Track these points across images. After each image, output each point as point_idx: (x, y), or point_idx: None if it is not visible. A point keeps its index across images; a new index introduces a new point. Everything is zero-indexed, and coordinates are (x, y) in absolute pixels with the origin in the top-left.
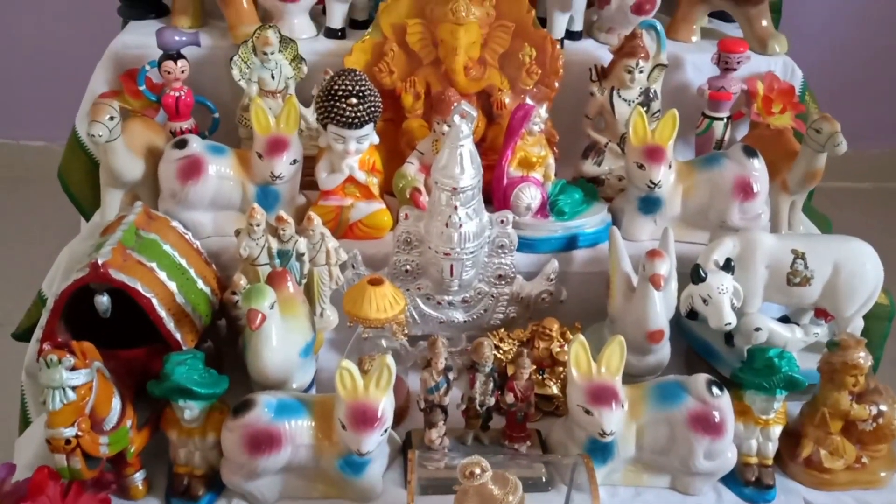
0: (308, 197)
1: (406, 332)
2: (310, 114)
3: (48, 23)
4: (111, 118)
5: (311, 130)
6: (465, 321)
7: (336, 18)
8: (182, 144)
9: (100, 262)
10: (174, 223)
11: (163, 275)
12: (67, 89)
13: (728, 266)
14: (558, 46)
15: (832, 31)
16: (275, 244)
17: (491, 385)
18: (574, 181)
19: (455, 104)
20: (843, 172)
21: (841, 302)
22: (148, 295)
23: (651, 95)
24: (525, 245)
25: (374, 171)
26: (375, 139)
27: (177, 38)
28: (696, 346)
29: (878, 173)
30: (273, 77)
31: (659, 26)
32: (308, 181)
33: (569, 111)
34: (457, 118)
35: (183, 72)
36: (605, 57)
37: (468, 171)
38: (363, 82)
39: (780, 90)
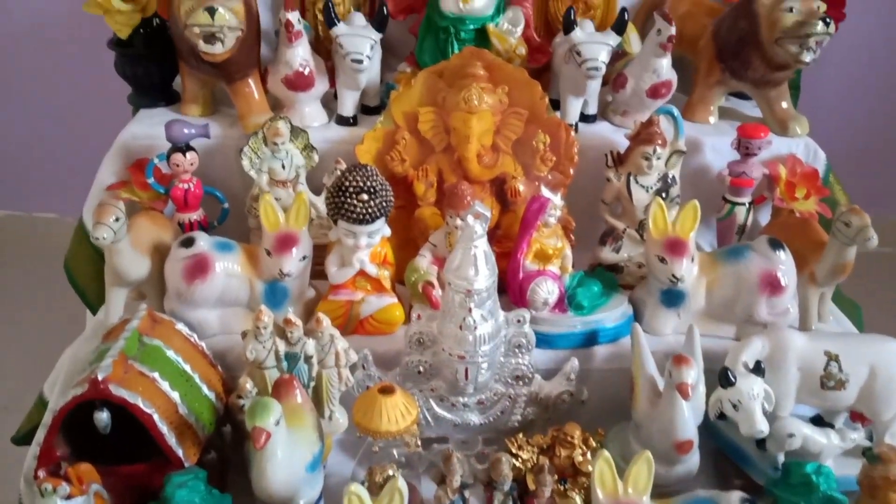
0: (317, 289)
1: (419, 440)
2: (320, 202)
3: (63, 99)
4: (116, 219)
5: (322, 219)
6: (481, 424)
7: (347, 106)
8: (189, 243)
9: (100, 377)
10: (178, 325)
11: (165, 385)
12: (80, 162)
13: (758, 369)
14: (573, 133)
15: (852, 97)
16: (282, 347)
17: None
18: (592, 270)
19: (468, 198)
20: None
21: (879, 406)
22: (149, 411)
23: (669, 181)
24: (543, 341)
25: (385, 264)
26: (387, 232)
27: (186, 130)
28: (726, 448)
29: None
30: (284, 167)
31: (676, 112)
32: (318, 270)
33: (585, 194)
34: (470, 219)
35: (192, 164)
36: (621, 140)
37: (482, 272)
38: (374, 178)
39: (804, 174)
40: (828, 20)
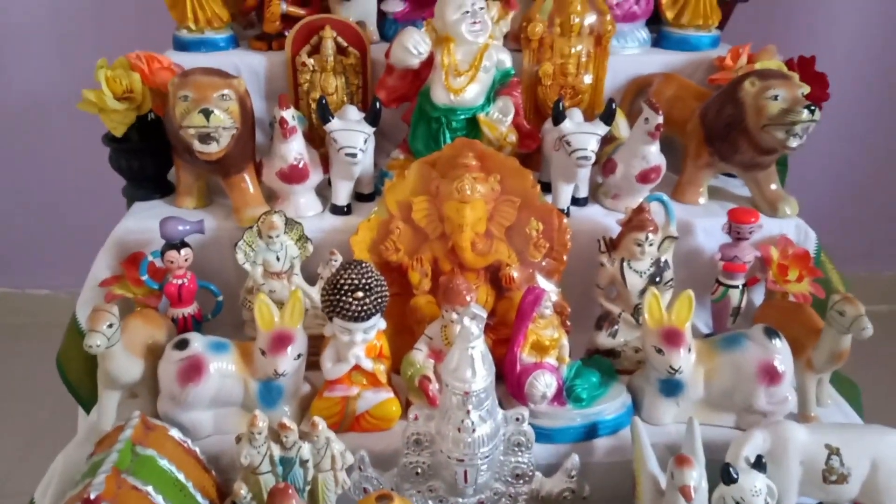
0: (312, 382)
1: None
2: (314, 292)
3: (56, 175)
4: (110, 325)
5: (317, 309)
6: None
7: (341, 196)
8: (183, 345)
9: (92, 496)
10: (172, 431)
11: (159, 499)
12: (73, 239)
13: (760, 464)
14: (565, 220)
15: (841, 154)
16: (277, 451)
17: None
18: (589, 357)
19: (465, 293)
20: (857, 296)
21: (882, 500)
22: None
23: (662, 266)
24: (542, 436)
25: (381, 357)
26: (382, 325)
27: (180, 227)
28: None
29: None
30: (278, 259)
31: (666, 199)
32: (313, 361)
33: (578, 277)
34: (467, 320)
35: (186, 260)
36: (613, 224)
37: (480, 374)
38: (369, 274)
39: (795, 255)
40: (812, 108)
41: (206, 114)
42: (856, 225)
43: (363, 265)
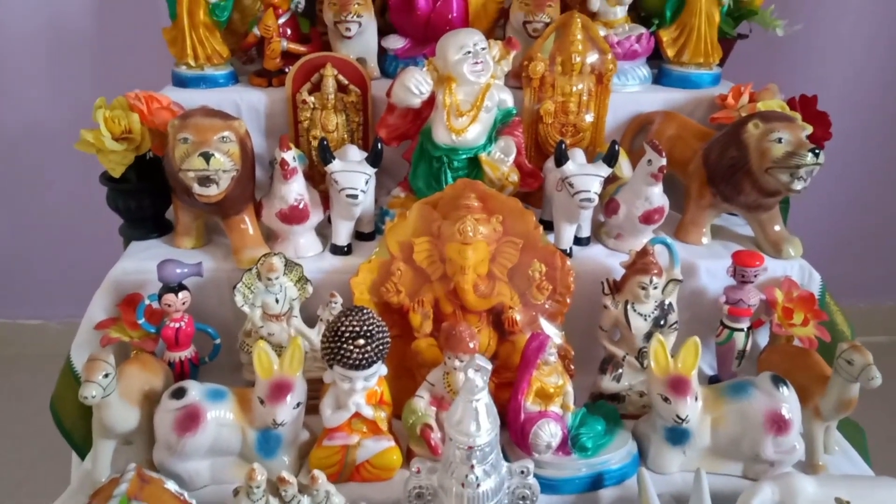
0: (311, 429)
1: None
2: (314, 335)
3: (49, 204)
4: (105, 375)
5: (316, 352)
6: None
7: (342, 236)
8: (180, 394)
9: None
10: (168, 484)
11: None
12: (65, 268)
13: None
14: (568, 262)
15: (838, 187)
16: None
17: None
18: (593, 401)
19: (468, 340)
20: (859, 328)
21: None
22: None
23: (667, 308)
24: (547, 486)
25: (381, 405)
26: (384, 371)
27: (178, 270)
28: None
29: (895, 327)
30: (277, 301)
31: (670, 242)
32: (312, 405)
33: (581, 317)
34: (471, 372)
35: (184, 303)
36: (616, 264)
37: (484, 427)
38: (371, 321)
39: (800, 298)
40: (817, 151)
41: (206, 157)
42: (854, 256)
43: (364, 311)
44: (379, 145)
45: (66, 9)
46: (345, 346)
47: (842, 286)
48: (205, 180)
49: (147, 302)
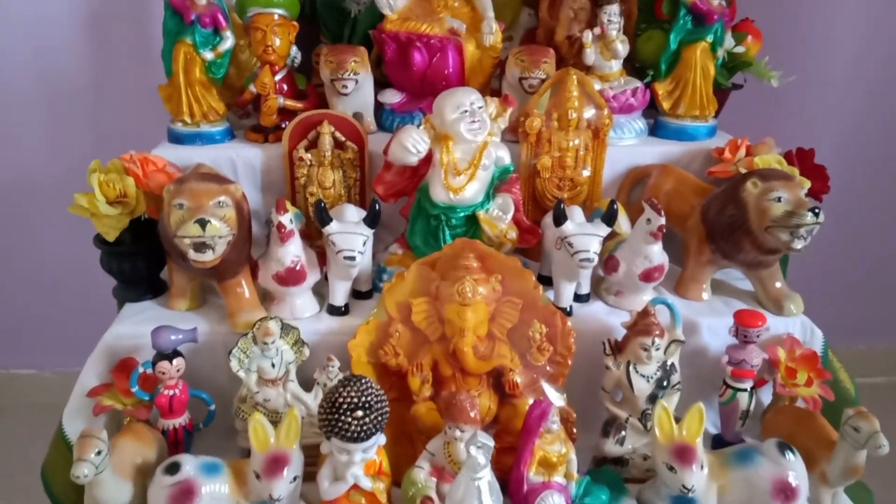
0: (308, 500)
1: None
2: (310, 399)
3: (43, 254)
4: (98, 453)
5: (312, 417)
6: None
7: (339, 296)
8: (173, 469)
9: None
10: None
11: None
12: (59, 318)
13: None
14: (569, 323)
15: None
16: None
17: None
18: (596, 465)
19: (469, 410)
20: (858, 369)
21: None
22: None
23: (669, 369)
24: None
25: (380, 475)
26: (383, 440)
27: (173, 337)
28: None
29: (893, 368)
30: (273, 365)
31: (671, 302)
32: (309, 472)
33: (582, 376)
34: (473, 449)
35: (178, 370)
36: (616, 322)
37: None
38: (369, 391)
39: (803, 357)
40: (817, 211)
41: (202, 224)
42: (850, 298)
43: (362, 381)
44: (377, 206)
45: (62, 64)
46: (343, 417)
47: (838, 328)
48: (200, 246)
49: (141, 370)
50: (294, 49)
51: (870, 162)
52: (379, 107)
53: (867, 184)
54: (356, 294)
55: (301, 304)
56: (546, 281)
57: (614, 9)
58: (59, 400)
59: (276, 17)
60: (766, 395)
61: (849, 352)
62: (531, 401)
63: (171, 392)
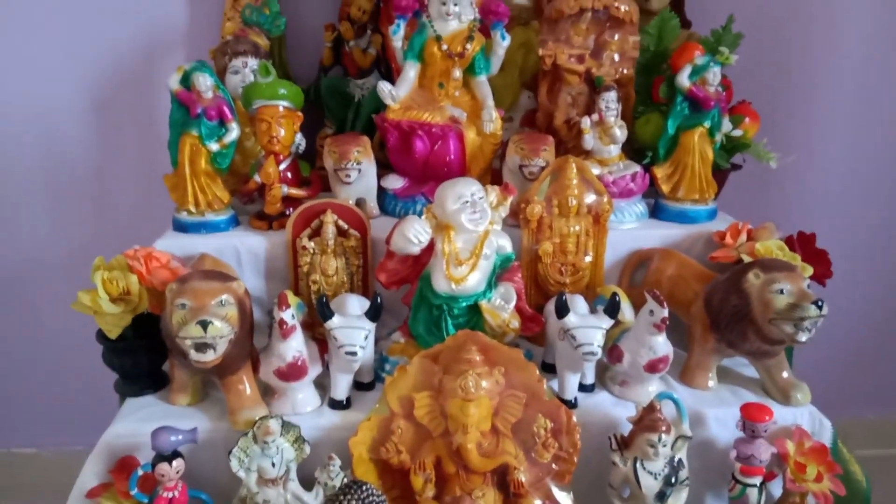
0: None
1: None
2: (311, 499)
3: (45, 332)
4: None
5: None
6: None
7: (340, 390)
8: None
9: None
10: None
11: None
12: (60, 396)
13: None
14: (574, 419)
15: (848, 296)
16: None
17: None
18: None
19: None
20: (871, 440)
21: None
22: None
23: (676, 465)
24: None
25: None
26: None
27: (173, 438)
28: None
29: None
30: (273, 465)
31: (676, 397)
32: None
33: (589, 468)
34: None
35: (178, 472)
36: (622, 414)
37: None
38: (370, 499)
39: (812, 450)
40: (820, 304)
41: (204, 325)
42: (842, 368)
43: (363, 488)
44: (378, 300)
45: (69, 149)
46: None
47: (828, 399)
48: (202, 347)
49: (140, 472)
50: (299, 136)
51: (871, 237)
52: (382, 191)
53: (868, 259)
54: (358, 385)
55: (302, 399)
56: (550, 369)
57: (612, 95)
58: (60, 479)
59: (281, 108)
60: (776, 488)
61: (842, 424)
62: (537, 502)
63: (171, 494)
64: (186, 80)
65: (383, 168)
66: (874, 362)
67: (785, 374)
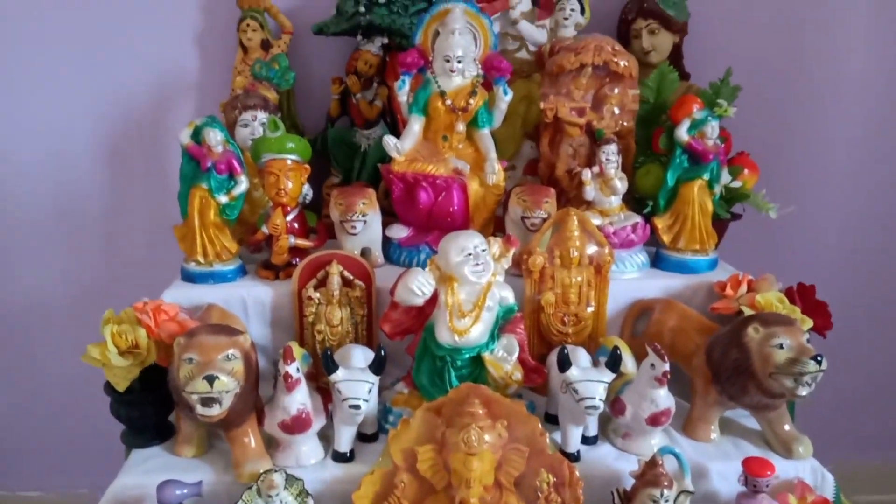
0: None
1: None
2: None
3: (49, 376)
4: None
5: None
6: None
7: (344, 442)
8: None
9: None
10: None
11: None
12: (64, 441)
13: None
14: (577, 473)
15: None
16: None
17: None
18: None
19: None
20: (874, 485)
21: None
22: None
23: None
24: None
25: None
26: None
27: (178, 492)
28: None
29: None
30: None
31: (678, 452)
32: None
33: None
34: None
35: None
36: (625, 468)
37: None
38: None
39: None
40: (819, 359)
41: (211, 380)
42: (842, 414)
43: None
44: (382, 352)
45: (81, 197)
46: None
47: (831, 444)
48: (208, 401)
49: None
50: (306, 187)
51: (869, 285)
52: (387, 240)
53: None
54: (361, 437)
55: (306, 451)
56: (553, 419)
57: (612, 148)
58: None
59: (289, 162)
60: None
61: (842, 469)
62: None
63: None
64: (197, 135)
65: (388, 216)
66: (876, 408)
67: (787, 427)
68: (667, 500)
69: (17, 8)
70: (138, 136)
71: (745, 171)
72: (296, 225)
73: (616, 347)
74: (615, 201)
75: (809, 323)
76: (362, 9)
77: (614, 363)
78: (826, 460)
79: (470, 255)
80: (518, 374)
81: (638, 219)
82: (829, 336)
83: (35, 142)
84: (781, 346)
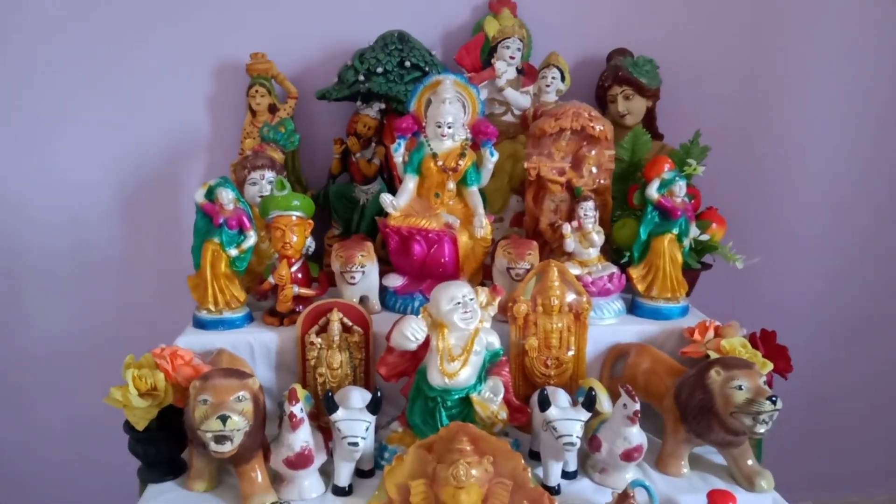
0: None
1: None
2: None
3: (59, 426)
4: None
5: None
6: None
7: (343, 477)
8: None
9: None
10: None
11: None
12: (79, 477)
13: None
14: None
15: (805, 386)
16: None
17: None
18: None
19: None
20: None
21: None
22: None
23: None
24: None
25: None
26: None
27: None
28: None
29: None
30: None
31: (648, 485)
32: None
33: None
34: None
35: None
36: (601, 501)
37: None
38: None
39: None
40: (774, 399)
41: (224, 419)
42: (837, 449)
43: None
44: (379, 394)
45: (95, 251)
46: None
47: (795, 482)
48: (221, 439)
49: None
50: (309, 240)
51: (833, 331)
52: (383, 289)
53: (828, 355)
54: (359, 472)
55: (308, 486)
56: (537, 456)
57: (589, 205)
58: None
59: (294, 218)
60: None
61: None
62: None
63: None
64: (211, 194)
65: (385, 265)
66: (844, 449)
67: (749, 462)
68: None
69: (41, 73)
70: (153, 192)
71: (714, 224)
72: (299, 275)
73: (591, 388)
74: (593, 253)
75: (770, 366)
76: (362, 77)
77: (590, 403)
78: (795, 498)
79: (459, 303)
80: (504, 414)
81: (614, 269)
82: (794, 378)
83: (54, 196)
84: (740, 388)
